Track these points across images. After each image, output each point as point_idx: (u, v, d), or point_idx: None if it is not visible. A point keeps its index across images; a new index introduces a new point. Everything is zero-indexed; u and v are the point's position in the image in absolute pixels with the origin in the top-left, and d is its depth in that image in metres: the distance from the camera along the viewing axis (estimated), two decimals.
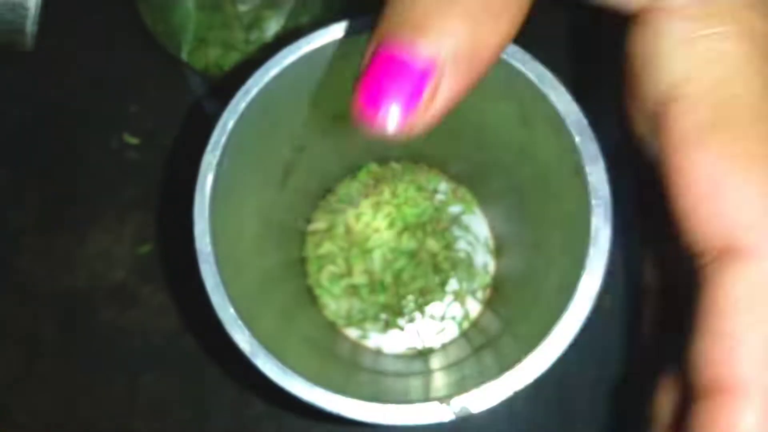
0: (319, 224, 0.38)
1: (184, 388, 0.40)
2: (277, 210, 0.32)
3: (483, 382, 0.23)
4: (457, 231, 0.38)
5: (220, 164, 0.25)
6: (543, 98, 0.25)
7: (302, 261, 0.38)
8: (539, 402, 0.39)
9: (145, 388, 0.40)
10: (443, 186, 0.38)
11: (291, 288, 0.35)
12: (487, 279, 0.38)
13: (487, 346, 0.31)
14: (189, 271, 0.24)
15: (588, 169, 0.24)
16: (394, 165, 0.38)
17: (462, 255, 0.38)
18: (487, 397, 0.23)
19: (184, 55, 0.35)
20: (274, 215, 0.31)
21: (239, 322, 0.23)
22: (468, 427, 0.38)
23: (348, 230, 0.37)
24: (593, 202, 0.24)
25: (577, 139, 0.24)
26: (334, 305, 0.37)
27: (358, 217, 0.37)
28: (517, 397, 0.22)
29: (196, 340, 0.41)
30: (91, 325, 0.40)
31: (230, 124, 0.25)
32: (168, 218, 0.44)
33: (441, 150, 0.36)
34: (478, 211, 0.38)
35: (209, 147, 0.24)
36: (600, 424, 0.39)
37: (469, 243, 0.38)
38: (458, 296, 0.37)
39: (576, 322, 0.23)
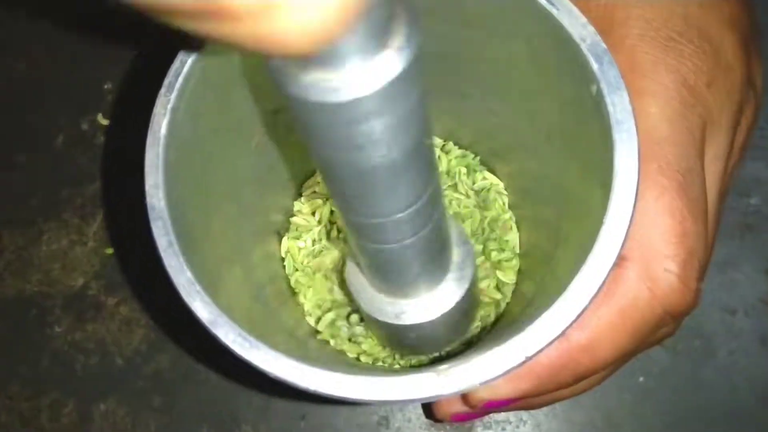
0: (300, 216, 0.37)
1: (147, 421, 0.39)
2: (251, 182, 0.31)
3: (485, 351, 0.22)
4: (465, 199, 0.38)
5: (175, 110, 0.24)
6: (554, 25, 0.24)
7: (280, 253, 0.38)
8: None
9: (100, 419, 0.38)
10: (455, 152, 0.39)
11: (268, 275, 0.34)
12: (507, 250, 0.38)
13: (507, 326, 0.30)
14: (162, 280, 0.23)
15: (609, 99, 0.24)
16: None
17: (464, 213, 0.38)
18: (490, 365, 0.22)
19: None
20: (246, 187, 0.31)
21: (197, 287, 0.23)
22: None
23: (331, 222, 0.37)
24: (616, 136, 0.23)
25: (595, 66, 0.24)
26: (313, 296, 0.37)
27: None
28: None
29: (169, 363, 0.40)
30: (41, 339, 0.39)
31: (188, 64, 0.24)
32: (140, 216, 0.43)
33: (449, 117, 0.36)
34: (489, 175, 0.38)
35: (163, 88, 0.24)
36: None
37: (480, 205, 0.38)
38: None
39: (594, 279, 0.22)
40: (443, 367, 0.22)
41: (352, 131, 0.15)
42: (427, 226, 0.22)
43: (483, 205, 0.39)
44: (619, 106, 0.23)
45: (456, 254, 0.28)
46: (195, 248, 0.24)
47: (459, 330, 0.34)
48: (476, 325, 0.36)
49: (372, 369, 0.35)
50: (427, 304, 0.27)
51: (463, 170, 0.39)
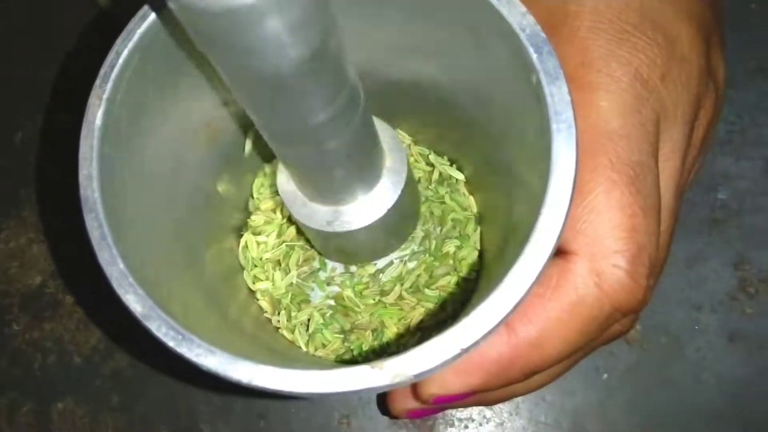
0: (261, 214, 0.37)
1: (106, 421, 0.39)
2: (202, 176, 0.31)
3: (422, 343, 0.22)
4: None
5: (111, 100, 0.24)
6: (495, 15, 0.24)
7: (237, 250, 0.38)
8: None
9: (59, 419, 0.38)
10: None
11: (221, 271, 0.34)
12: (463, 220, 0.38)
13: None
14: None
15: (547, 89, 0.24)
16: None
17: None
18: (425, 358, 0.22)
19: None
20: (197, 182, 0.31)
21: (130, 279, 0.23)
22: None
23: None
24: (554, 126, 0.23)
25: (534, 56, 0.24)
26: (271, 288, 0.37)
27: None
28: None
29: (127, 362, 0.40)
30: None
31: (124, 54, 0.24)
32: None
33: (393, 105, 0.36)
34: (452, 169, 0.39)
35: (98, 79, 0.24)
36: None
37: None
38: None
39: (532, 266, 0.22)
40: (380, 360, 0.22)
41: (248, 37, 0.16)
42: (349, 128, 0.22)
43: (445, 201, 0.39)
44: (557, 96, 0.23)
45: (389, 159, 0.28)
46: (133, 243, 0.24)
47: (399, 234, 0.34)
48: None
49: (311, 363, 0.35)
50: (360, 209, 0.27)
51: (425, 166, 0.39)
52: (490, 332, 0.22)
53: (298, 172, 0.26)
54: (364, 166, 0.26)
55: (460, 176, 0.39)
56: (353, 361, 0.37)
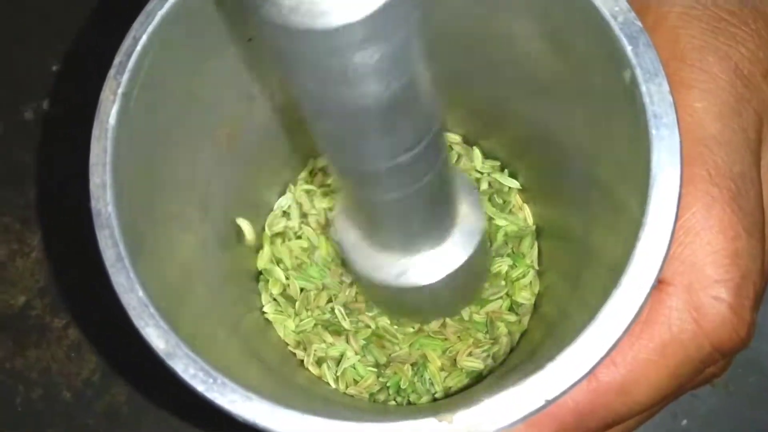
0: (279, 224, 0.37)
1: None
2: (221, 184, 0.31)
3: (498, 391, 0.21)
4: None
5: (127, 95, 0.24)
6: None
7: (255, 273, 0.37)
8: None
9: None
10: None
11: (244, 299, 0.34)
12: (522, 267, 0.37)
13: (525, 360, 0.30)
14: (115, 299, 0.22)
15: (645, 88, 0.23)
16: None
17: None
18: (504, 410, 0.21)
19: None
20: (215, 190, 0.30)
21: (151, 309, 0.22)
22: None
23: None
24: (653, 132, 0.23)
25: (629, 48, 0.23)
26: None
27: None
28: None
29: (125, 397, 0.39)
30: None
31: (143, 39, 0.24)
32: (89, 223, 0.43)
33: (449, 106, 0.35)
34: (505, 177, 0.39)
35: (112, 69, 0.24)
36: None
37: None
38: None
39: (629, 307, 0.21)
40: (447, 411, 0.21)
41: (343, 63, 0.15)
42: (430, 172, 0.22)
43: (497, 213, 0.38)
44: (656, 96, 0.23)
45: (462, 206, 0.28)
46: (150, 264, 0.23)
47: (467, 294, 0.34)
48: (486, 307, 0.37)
49: (362, 410, 0.34)
50: (431, 263, 0.28)
51: (476, 171, 0.38)
52: (579, 381, 0.21)
53: (367, 217, 0.26)
54: (439, 212, 0.26)
55: (515, 184, 0.38)
56: (390, 401, 0.37)
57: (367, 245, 0.28)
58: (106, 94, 0.23)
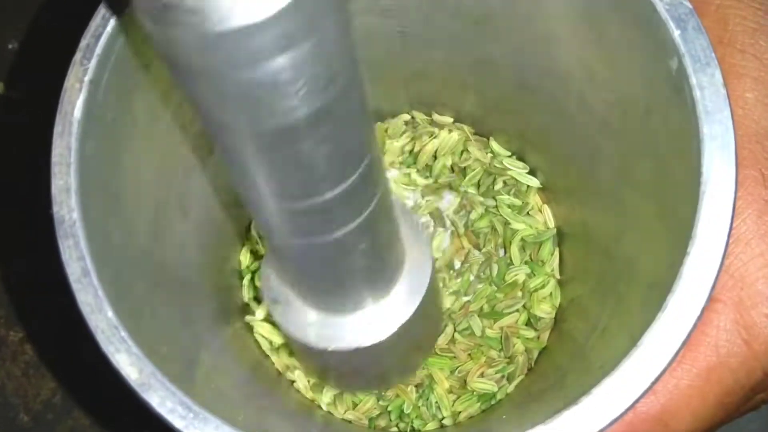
0: None
1: None
2: (201, 190, 0.30)
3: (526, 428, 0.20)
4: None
5: (95, 83, 0.22)
6: None
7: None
8: None
9: None
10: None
11: (218, 308, 0.33)
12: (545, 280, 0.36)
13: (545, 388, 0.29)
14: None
15: (695, 79, 0.22)
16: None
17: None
18: None
19: None
20: (194, 198, 0.29)
21: (122, 333, 0.21)
22: None
23: None
24: (705, 130, 0.22)
25: (677, 32, 0.22)
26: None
27: None
28: None
29: (89, 420, 0.38)
30: None
31: (113, 20, 0.23)
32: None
33: (471, 92, 0.34)
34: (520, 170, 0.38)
35: (78, 53, 0.22)
36: None
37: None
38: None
39: (677, 330, 0.21)
40: None
41: (250, 74, 0.14)
42: (366, 210, 0.20)
43: (513, 215, 0.37)
44: (708, 89, 0.22)
45: (409, 253, 0.26)
46: (126, 282, 0.22)
47: (410, 362, 0.33)
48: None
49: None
50: (369, 322, 0.26)
51: (482, 160, 0.37)
52: (618, 418, 0.20)
53: (293, 267, 0.24)
54: (380, 260, 0.24)
55: (534, 182, 0.37)
56: (392, 428, 0.36)
57: (295, 299, 0.26)
58: (70, 81, 0.22)
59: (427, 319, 0.28)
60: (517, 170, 0.37)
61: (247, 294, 0.36)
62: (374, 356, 0.27)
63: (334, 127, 0.16)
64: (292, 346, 0.32)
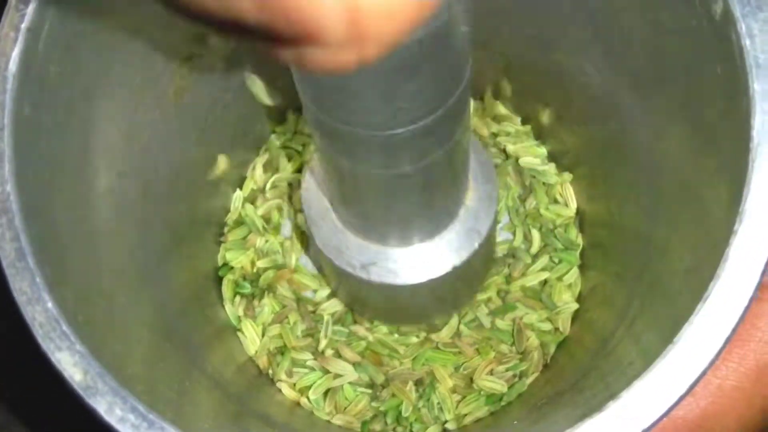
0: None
1: None
2: (170, 154, 0.28)
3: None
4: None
5: (35, 32, 0.21)
6: None
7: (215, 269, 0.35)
8: None
9: None
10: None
11: (187, 298, 0.31)
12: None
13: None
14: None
15: (743, 26, 0.20)
16: None
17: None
18: None
19: None
20: (161, 164, 0.28)
21: (64, 327, 0.19)
22: None
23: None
24: (754, 86, 0.20)
25: None
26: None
27: None
28: None
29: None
30: None
31: None
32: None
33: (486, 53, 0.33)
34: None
35: None
36: None
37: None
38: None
39: (722, 324, 0.19)
40: None
41: None
42: (445, 146, 0.20)
43: (532, 197, 0.36)
44: (760, 37, 0.20)
45: (470, 196, 0.26)
46: (65, 263, 0.21)
47: (455, 301, 0.33)
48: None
49: None
50: (418, 260, 0.26)
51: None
52: (653, 425, 0.19)
53: (349, 194, 0.24)
54: (442, 198, 0.25)
55: (552, 171, 0.36)
56: None
57: (336, 220, 0.26)
58: (4, 30, 0.20)
59: (482, 258, 0.29)
60: (533, 153, 0.36)
61: (226, 295, 0.35)
62: (422, 293, 0.28)
63: (446, 48, 0.17)
64: (325, 270, 0.33)
